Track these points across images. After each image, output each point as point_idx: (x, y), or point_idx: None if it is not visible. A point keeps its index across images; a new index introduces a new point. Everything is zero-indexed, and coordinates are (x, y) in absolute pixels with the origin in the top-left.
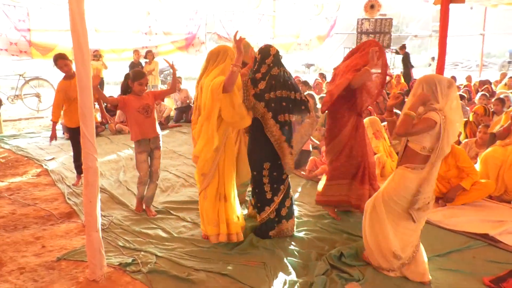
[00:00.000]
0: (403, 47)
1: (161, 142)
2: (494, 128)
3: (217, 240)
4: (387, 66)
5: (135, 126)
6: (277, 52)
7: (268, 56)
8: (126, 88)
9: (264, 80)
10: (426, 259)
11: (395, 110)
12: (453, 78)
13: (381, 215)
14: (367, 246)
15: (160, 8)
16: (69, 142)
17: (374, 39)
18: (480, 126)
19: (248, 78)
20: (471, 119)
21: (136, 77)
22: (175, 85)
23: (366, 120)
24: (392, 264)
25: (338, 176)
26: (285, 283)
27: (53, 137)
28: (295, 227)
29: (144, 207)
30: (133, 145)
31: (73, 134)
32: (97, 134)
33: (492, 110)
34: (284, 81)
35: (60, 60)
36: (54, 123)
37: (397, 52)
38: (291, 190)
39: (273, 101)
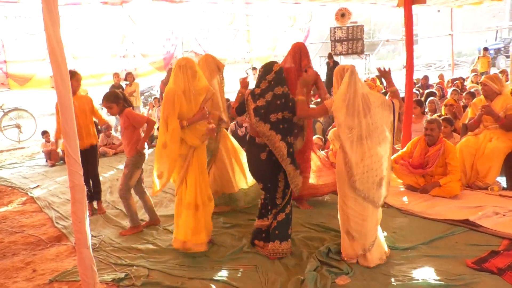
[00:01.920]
0: (330, 56)
1: (131, 162)
2: (465, 120)
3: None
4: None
5: None
6: (280, 70)
7: (270, 72)
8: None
9: (263, 97)
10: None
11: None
12: (426, 77)
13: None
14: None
15: (136, 30)
16: (53, 169)
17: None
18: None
19: (249, 91)
20: (443, 112)
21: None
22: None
23: (331, 133)
24: (352, 248)
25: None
26: (277, 283)
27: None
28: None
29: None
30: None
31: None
32: None
33: (464, 104)
34: (286, 102)
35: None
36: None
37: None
38: (285, 213)
39: (281, 123)
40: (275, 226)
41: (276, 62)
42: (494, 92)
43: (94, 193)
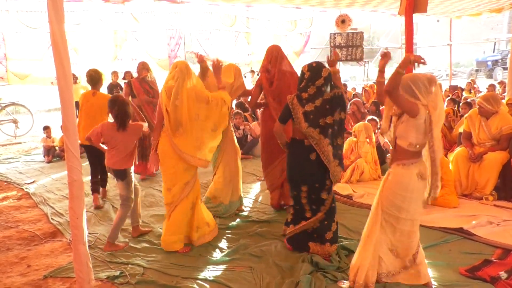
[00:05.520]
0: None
1: None
2: (458, 129)
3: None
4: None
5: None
6: (329, 74)
7: (319, 78)
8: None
9: (312, 103)
10: (425, 261)
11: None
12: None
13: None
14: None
15: (139, 29)
16: (49, 165)
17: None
18: None
19: (293, 95)
20: None
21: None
22: None
23: (360, 125)
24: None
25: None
26: (272, 284)
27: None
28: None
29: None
30: None
31: (88, 151)
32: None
33: (461, 114)
34: (336, 104)
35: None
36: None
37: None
38: (335, 216)
39: (330, 127)
40: (335, 230)
41: (324, 66)
42: (490, 112)
43: (102, 179)
